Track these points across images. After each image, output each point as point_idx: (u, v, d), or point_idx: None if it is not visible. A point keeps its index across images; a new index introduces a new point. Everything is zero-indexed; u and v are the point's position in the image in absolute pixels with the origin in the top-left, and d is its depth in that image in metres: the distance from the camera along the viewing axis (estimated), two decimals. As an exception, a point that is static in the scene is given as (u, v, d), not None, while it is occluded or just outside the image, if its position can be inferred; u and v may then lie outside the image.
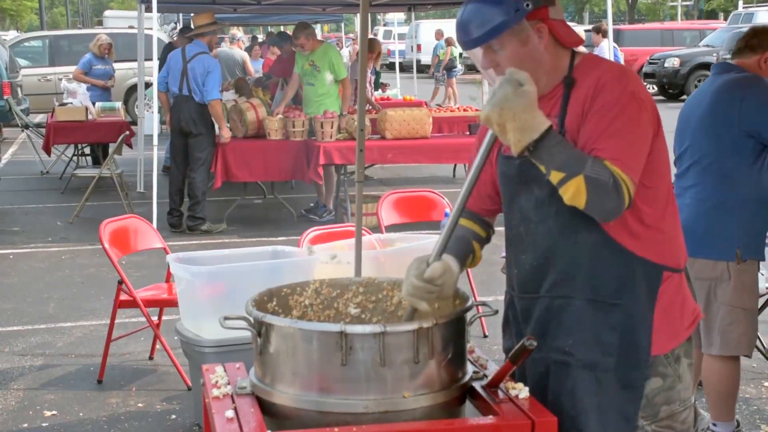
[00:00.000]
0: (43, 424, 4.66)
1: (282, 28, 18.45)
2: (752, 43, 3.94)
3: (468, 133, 9.79)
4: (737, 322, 3.94)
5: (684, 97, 21.71)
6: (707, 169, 3.87)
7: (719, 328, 3.95)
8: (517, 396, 2.37)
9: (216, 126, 9.12)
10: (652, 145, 2.37)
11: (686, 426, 2.52)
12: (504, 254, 5.43)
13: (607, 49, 10.82)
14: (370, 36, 15.32)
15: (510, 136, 2.22)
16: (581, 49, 2.61)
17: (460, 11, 2.43)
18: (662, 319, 2.43)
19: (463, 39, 2.43)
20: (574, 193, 2.23)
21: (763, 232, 3.96)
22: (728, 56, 4.00)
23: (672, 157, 2.73)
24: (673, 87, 23.51)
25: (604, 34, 11.69)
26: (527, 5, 2.36)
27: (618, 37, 20.50)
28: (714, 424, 4.11)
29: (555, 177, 2.25)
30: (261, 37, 18.35)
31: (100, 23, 35.25)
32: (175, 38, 13.41)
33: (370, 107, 11.06)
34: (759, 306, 5.02)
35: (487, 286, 6.45)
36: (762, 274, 4.96)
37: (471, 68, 32.77)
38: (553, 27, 2.42)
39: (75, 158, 12.46)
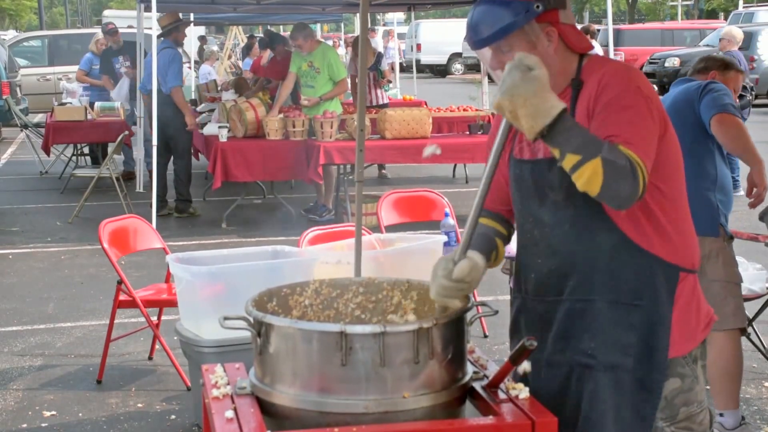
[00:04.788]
0: (43, 425, 4.65)
1: (281, 28, 18.43)
2: (700, 67, 4.50)
3: (468, 132, 9.78)
4: (731, 295, 4.18)
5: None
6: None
7: (714, 305, 4.01)
8: (517, 396, 2.36)
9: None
10: (662, 144, 2.35)
11: (704, 427, 2.51)
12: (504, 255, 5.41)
13: (598, 50, 10.79)
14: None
15: (523, 122, 2.16)
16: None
17: (471, 12, 2.44)
18: (680, 320, 2.42)
19: (473, 39, 2.42)
20: (589, 176, 2.17)
21: (726, 215, 4.24)
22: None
23: None
24: (673, 87, 23.45)
25: (593, 35, 11.68)
26: (537, 7, 2.35)
27: (618, 37, 20.50)
28: (721, 415, 4.16)
29: (570, 161, 2.18)
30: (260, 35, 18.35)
31: (99, 23, 35.20)
32: None
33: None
34: (759, 306, 5.06)
35: (487, 286, 6.43)
36: (762, 273, 4.98)
37: (470, 68, 32.82)
38: (563, 31, 2.41)
39: (74, 158, 12.45)
